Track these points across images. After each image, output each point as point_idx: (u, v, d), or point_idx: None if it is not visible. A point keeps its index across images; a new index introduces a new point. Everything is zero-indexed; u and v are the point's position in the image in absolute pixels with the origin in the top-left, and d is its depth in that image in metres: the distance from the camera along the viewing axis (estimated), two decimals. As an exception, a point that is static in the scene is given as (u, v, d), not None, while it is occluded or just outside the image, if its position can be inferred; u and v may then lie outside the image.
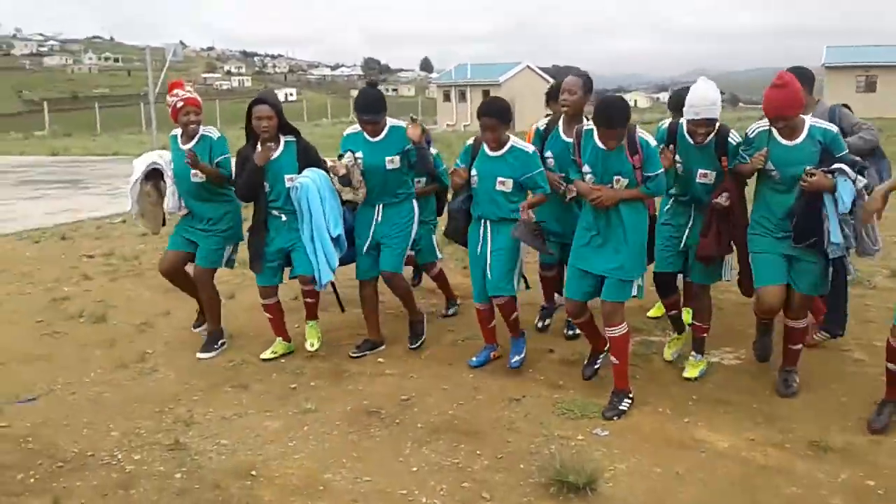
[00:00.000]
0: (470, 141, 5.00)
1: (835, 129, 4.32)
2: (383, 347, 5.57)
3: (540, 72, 50.50)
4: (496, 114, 4.75)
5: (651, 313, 6.09)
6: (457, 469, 3.83)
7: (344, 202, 5.41)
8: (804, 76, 4.60)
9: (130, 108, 56.63)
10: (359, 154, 5.15)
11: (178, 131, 5.46)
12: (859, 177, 4.15)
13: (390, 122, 5.21)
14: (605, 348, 4.81)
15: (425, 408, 4.59)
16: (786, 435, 4.08)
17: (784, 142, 4.31)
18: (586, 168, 4.36)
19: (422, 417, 4.44)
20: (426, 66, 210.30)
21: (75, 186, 17.03)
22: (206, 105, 5.83)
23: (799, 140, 4.29)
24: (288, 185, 5.13)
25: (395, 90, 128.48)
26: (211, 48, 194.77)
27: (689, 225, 4.81)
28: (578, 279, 4.52)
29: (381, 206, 5.28)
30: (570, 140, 4.68)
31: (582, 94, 5.23)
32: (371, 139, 5.15)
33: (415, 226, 5.40)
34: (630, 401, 4.45)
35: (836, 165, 4.15)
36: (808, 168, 4.16)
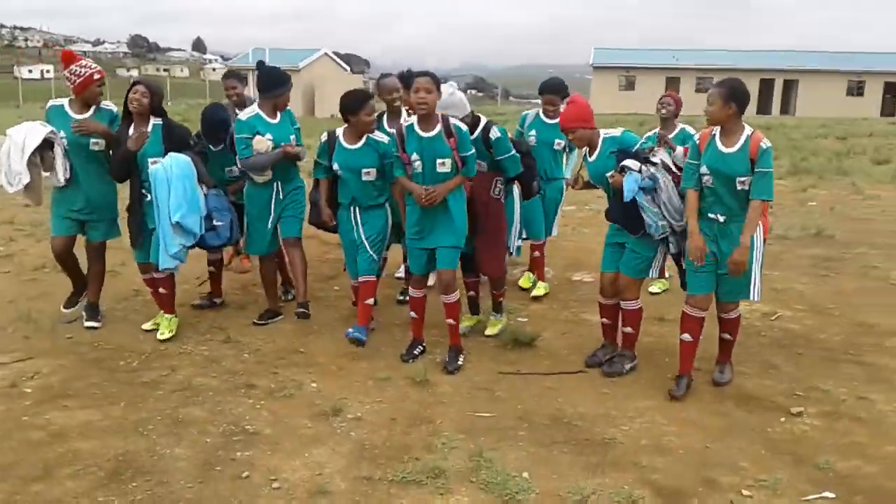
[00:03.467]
0: (324, 137, 5.31)
1: (618, 132, 4.91)
2: (282, 317, 5.91)
3: (338, 59, 50.61)
4: (363, 101, 5.16)
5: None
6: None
7: (213, 186, 5.63)
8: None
9: None
10: (268, 135, 5.41)
11: (62, 101, 5.55)
12: (645, 165, 4.59)
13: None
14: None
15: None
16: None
17: (589, 158, 4.92)
18: (414, 156, 4.82)
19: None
20: (199, 46, 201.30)
21: None
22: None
23: (596, 154, 4.88)
24: (150, 167, 5.27)
25: (166, 70, 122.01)
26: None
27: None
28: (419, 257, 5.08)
29: (278, 182, 5.61)
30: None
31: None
32: (271, 121, 5.50)
33: (305, 198, 5.74)
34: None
35: (622, 163, 4.65)
36: (608, 175, 4.74)
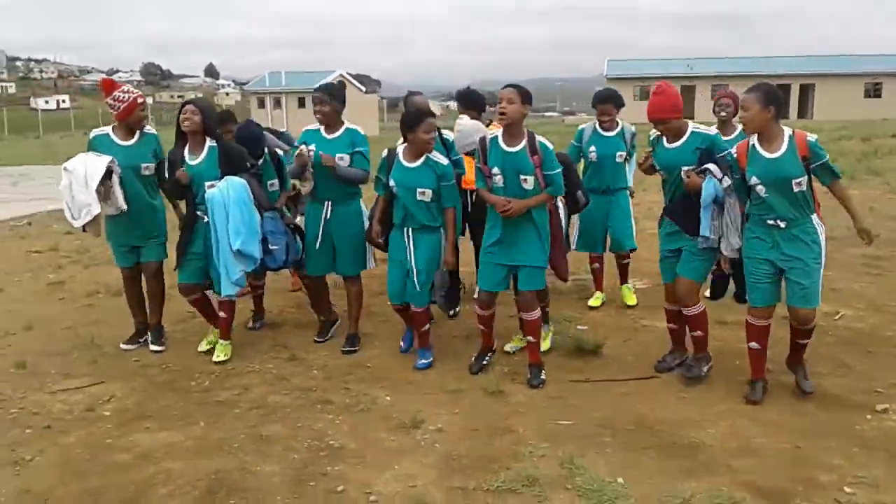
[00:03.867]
0: (384, 153, 5.18)
1: (712, 130, 4.78)
2: (339, 322, 5.95)
3: (354, 81, 50.95)
4: (421, 117, 5.01)
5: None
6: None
7: (270, 208, 5.55)
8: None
9: None
10: (312, 146, 5.32)
11: (106, 129, 5.61)
12: (726, 176, 4.46)
13: (347, 123, 5.46)
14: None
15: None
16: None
17: (666, 144, 4.71)
18: (495, 170, 4.71)
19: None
20: (211, 72, 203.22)
21: None
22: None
23: (679, 143, 4.67)
24: (207, 191, 5.22)
25: (180, 96, 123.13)
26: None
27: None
28: (493, 272, 4.91)
29: (329, 202, 5.46)
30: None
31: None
32: (327, 136, 5.39)
33: (365, 223, 5.51)
34: None
35: (706, 166, 4.51)
36: (685, 169, 4.58)
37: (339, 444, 4.17)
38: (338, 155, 5.33)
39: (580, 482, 3.65)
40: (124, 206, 5.41)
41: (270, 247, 5.48)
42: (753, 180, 4.29)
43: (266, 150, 5.99)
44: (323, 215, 5.50)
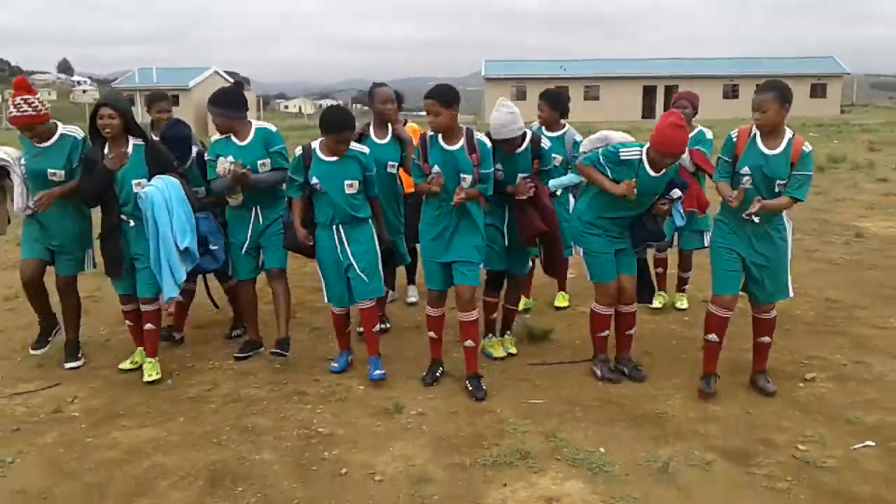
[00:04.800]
0: (298, 151, 4.94)
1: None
2: (262, 349, 5.56)
3: (229, 78, 49.75)
4: (350, 127, 4.86)
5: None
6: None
7: (200, 208, 5.27)
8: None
9: None
10: (230, 157, 5.09)
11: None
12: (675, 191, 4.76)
13: (256, 123, 5.28)
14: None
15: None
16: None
17: (652, 173, 4.61)
18: (436, 168, 4.66)
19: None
20: (65, 68, 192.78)
21: None
22: None
23: (662, 173, 4.65)
24: (136, 190, 4.96)
25: (13, 82, 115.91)
26: None
27: (506, 222, 5.13)
28: (435, 271, 4.87)
29: (257, 207, 5.29)
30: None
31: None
32: (239, 143, 5.18)
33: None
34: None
35: (672, 193, 4.73)
36: (660, 199, 4.73)
37: (327, 431, 4.31)
38: (259, 162, 5.15)
39: (567, 453, 3.96)
40: (19, 210, 5.11)
41: (211, 247, 5.31)
42: (744, 170, 4.37)
43: (193, 153, 5.61)
44: (251, 220, 5.31)
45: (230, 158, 5.09)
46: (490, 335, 5.51)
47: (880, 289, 6.92)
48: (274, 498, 3.64)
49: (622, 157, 4.65)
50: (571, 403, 4.62)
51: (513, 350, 5.49)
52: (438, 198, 4.74)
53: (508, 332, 5.56)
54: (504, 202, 5.06)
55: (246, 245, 5.37)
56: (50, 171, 5.06)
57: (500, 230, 5.12)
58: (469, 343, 4.82)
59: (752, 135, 4.43)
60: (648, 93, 52.31)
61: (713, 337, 4.64)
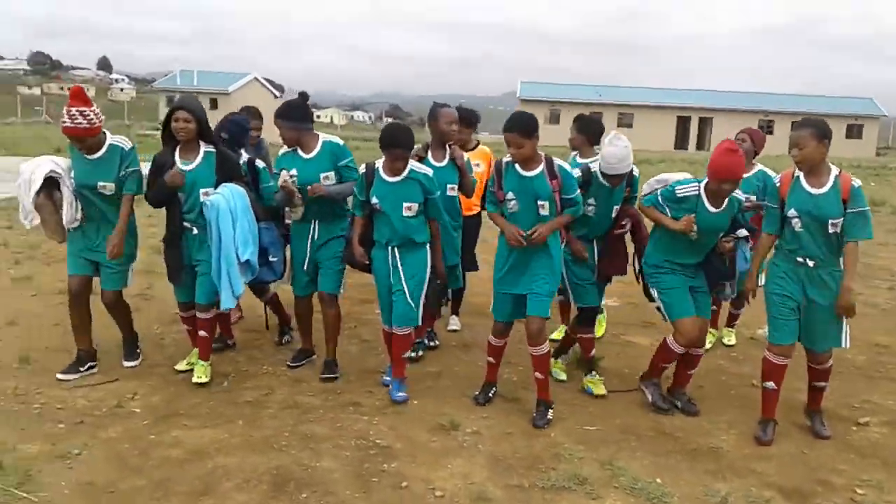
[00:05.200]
0: (362, 169, 4.93)
1: (742, 196, 4.76)
2: (315, 357, 5.63)
3: (268, 84, 50.39)
4: (406, 145, 4.80)
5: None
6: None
7: (265, 219, 5.27)
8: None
9: None
10: (293, 172, 5.08)
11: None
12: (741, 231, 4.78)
13: (323, 137, 5.22)
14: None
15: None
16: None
17: (711, 209, 4.59)
18: (510, 195, 4.60)
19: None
20: (104, 64, 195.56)
21: None
22: None
23: (722, 208, 4.63)
24: (202, 199, 4.96)
25: (69, 89, 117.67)
26: None
27: (598, 256, 5.21)
28: (505, 302, 4.82)
29: (316, 221, 5.24)
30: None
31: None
32: (305, 156, 5.14)
33: None
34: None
35: (738, 233, 4.73)
36: (724, 238, 4.70)
37: (385, 444, 4.37)
38: (322, 175, 5.10)
39: (624, 482, 3.99)
40: (68, 222, 5.08)
41: (270, 258, 5.28)
42: (791, 213, 4.32)
43: (244, 156, 5.51)
44: (310, 235, 5.27)
45: (293, 172, 5.09)
46: (594, 372, 5.38)
47: (928, 336, 6.88)
48: (337, 506, 3.71)
49: (678, 195, 4.66)
50: (626, 432, 4.64)
51: (563, 377, 5.50)
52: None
53: (563, 355, 5.59)
54: (595, 238, 5.15)
55: (306, 261, 5.32)
56: (100, 183, 5.00)
57: (590, 266, 5.16)
58: (539, 375, 4.75)
59: (795, 176, 4.37)
60: (682, 123, 52.30)
61: (771, 385, 4.56)
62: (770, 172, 5.83)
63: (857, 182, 4.30)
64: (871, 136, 52.19)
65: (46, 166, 5.02)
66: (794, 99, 53.63)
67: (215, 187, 5.01)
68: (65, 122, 4.85)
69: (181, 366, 5.40)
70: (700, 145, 51.41)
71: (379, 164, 4.87)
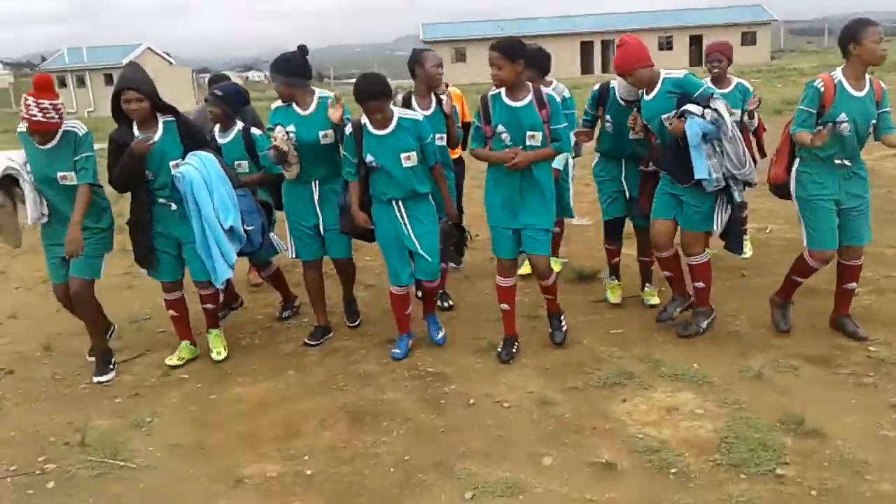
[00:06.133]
0: (348, 129, 4.66)
1: (680, 74, 4.69)
2: (332, 334, 5.38)
3: (162, 53, 48.66)
4: (380, 93, 4.51)
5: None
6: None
7: (239, 185, 5.00)
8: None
9: None
10: (290, 128, 4.87)
11: (21, 127, 4.59)
12: (707, 109, 4.42)
13: (319, 92, 5.00)
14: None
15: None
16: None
17: (646, 97, 4.71)
18: (500, 128, 4.49)
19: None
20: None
21: None
22: None
23: (654, 94, 4.67)
24: (173, 172, 4.65)
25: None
26: None
27: (625, 175, 5.31)
28: (505, 238, 4.72)
29: (316, 182, 5.03)
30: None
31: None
32: (301, 112, 4.90)
33: None
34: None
35: (683, 108, 4.48)
36: (663, 116, 4.60)
37: (436, 371, 4.64)
38: (321, 133, 4.86)
39: (666, 371, 4.38)
40: (32, 218, 4.70)
41: (246, 227, 4.95)
42: (841, 117, 4.27)
43: (238, 125, 5.30)
44: (312, 196, 5.04)
45: (290, 128, 4.84)
46: (613, 277, 5.63)
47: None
48: (420, 428, 3.98)
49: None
50: (647, 330, 5.03)
51: (654, 300, 5.49)
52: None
53: (648, 284, 5.60)
54: (619, 156, 5.27)
55: (311, 224, 5.10)
56: (60, 174, 4.57)
57: (618, 181, 5.32)
58: (548, 296, 4.85)
59: (836, 81, 4.35)
60: (586, 48, 53.01)
61: (797, 279, 4.77)
62: (746, 83, 5.95)
63: (884, 85, 4.50)
64: (765, 41, 54.02)
65: (0, 163, 4.64)
66: (689, 14, 54.89)
67: (183, 157, 4.71)
68: (35, 116, 4.39)
69: (173, 360, 5.05)
70: (605, 68, 52.30)
71: (365, 119, 4.61)
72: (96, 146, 4.74)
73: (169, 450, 3.95)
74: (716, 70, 5.82)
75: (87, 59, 46.70)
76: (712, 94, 4.52)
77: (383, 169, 4.61)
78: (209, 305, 5.13)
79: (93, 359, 5.04)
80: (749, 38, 52.50)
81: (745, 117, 5.82)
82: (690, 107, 4.45)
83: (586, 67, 51.84)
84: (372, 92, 4.48)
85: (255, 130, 5.31)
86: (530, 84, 4.54)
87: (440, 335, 5.09)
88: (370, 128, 4.59)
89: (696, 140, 4.39)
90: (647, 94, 4.70)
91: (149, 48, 47.85)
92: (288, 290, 5.93)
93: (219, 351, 5.10)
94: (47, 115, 4.42)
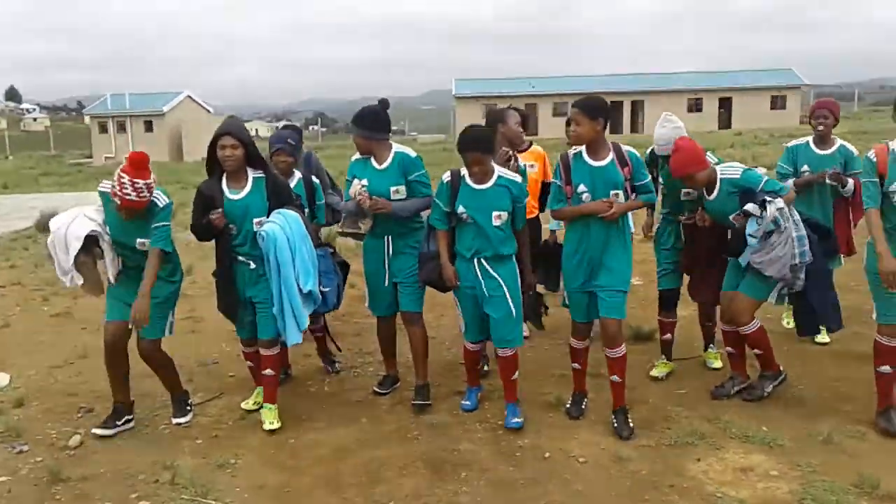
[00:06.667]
0: (446, 177, 4.66)
1: (737, 173, 4.71)
2: (399, 384, 5.47)
3: (201, 102, 49.89)
4: (485, 148, 4.52)
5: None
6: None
7: (320, 244, 5.20)
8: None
9: None
10: (364, 182, 4.88)
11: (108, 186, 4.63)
12: (767, 206, 4.48)
13: (396, 147, 5.02)
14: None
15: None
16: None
17: (709, 197, 4.82)
18: (582, 187, 4.48)
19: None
20: (13, 95, 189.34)
21: None
22: None
23: (714, 195, 4.78)
24: (256, 229, 4.65)
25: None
26: None
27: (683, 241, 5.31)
28: (581, 300, 4.67)
29: (389, 237, 5.03)
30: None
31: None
32: (377, 166, 4.96)
33: None
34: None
35: (745, 208, 4.58)
36: (731, 217, 4.70)
37: (500, 422, 4.76)
38: (392, 188, 4.88)
39: (737, 432, 4.48)
40: (113, 278, 4.80)
41: (322, 289, 4.97)
42: (894, 187, 4.26)
43: (297, 174, 5.50)
44: (384, 251, 5.05)
45: (364, 182, 4.87)
46: (663, 356, 5.58)
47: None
48: (499, 480, 4.09)
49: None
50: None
51: (717, 364, 5.55)
52: (583, 220, 4.53)
53: (711, 346, 5.66)
54: (676, 216, 5.31)
55: (386, 278, 5.10)
56: (139, 241, 4.65)
57: (676, 251, 5.34)
58: (616, 378, 4.63)
59: (890, 150, 4.31)
60: (615, 108, 53.63)
61: (886, 368, 4.46)
62: (850, 147, 5.84)
63: None
64: (794, 106, 54.33)
65: (84, 224, 4.65)
66: (719, 76, 55.52)
67: (268, 215, 4.71)
68: (129, 195, 4.42)
69: (248, 404, 5.18)
70: (633, 128, 52.83)
71: (464, 171, 4.63)
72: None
73: (255, 492, 4.08)
74: (821, 128, 5.71)
75: (130, 106, 47.93)
76: (772, 189, 4.61)
77: (474, 223, 4.56)
78: (270, 371, 4.88)
79: (103, 431, 4.86)
80: (779, 103, 52.85)
81: (839, 186, 5.65)
82: (749, 207, 4.55)
83: (615, 128, 52.37)
84: (477, 144, 4.49)
85: (314, 179, 5.55)
86: (610, 143, 4.55)
87: (515, 420, 4.73)
88: (468, 180, 4.59)
89: (752, 242, 4.57)
90: (708, 194, 4.80)
91: (188, 96, 49.17)
92: (325, 346, 5.96)
93: (271, 421, 4.84)
94: (141, 195, 4.45)
